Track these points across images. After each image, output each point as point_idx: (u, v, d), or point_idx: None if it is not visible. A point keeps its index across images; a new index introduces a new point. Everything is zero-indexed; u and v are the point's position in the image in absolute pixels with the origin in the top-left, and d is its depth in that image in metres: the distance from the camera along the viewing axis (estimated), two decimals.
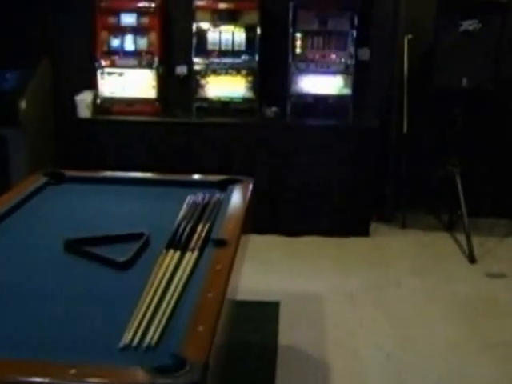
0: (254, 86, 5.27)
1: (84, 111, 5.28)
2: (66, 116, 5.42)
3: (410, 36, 5.30)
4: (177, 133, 5.24)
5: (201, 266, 2.31)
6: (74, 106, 5.31)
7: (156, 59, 5.29)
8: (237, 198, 3.07)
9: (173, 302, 2.03)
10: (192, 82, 5.32)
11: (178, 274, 2.23)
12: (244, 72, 5.26)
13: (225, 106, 5.35)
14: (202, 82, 5.30)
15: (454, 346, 3.75)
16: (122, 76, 5.33)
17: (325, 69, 5.22)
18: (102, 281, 2.27)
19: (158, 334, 1.84)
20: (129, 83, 5.34)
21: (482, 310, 4.22)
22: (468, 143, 5.34)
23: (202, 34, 5.31)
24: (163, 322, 1.90)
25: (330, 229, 5.29)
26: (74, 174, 3.38)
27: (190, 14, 5.29)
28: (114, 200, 3.17)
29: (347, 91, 5.23)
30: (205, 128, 5.23)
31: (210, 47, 5.32)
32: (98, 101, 5.38)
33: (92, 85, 5.36)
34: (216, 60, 5.28)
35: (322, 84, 5.24)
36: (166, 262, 2.33)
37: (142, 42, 5.36)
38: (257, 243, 5.14)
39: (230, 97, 5.33)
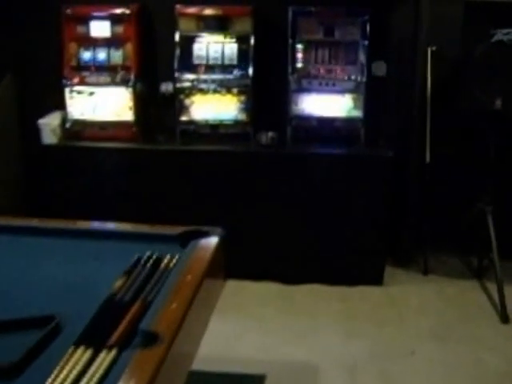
0: (248, 107, 4.46)
1: (49, 137, 4.51)
2: (30, 142, 4.67)
3: (433, 47, 4.46)
4: (155, 162, 4.45)
5: (113, 375, 1.65)
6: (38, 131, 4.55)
7: (132, 75, 4.49)
8: (194, 261, 2.40)
9: None
10: (175, 102, 4.51)
11: None
12: (235, 90, 4.45)
13: (213, 131, 4.55)
14: (187, 102, 4.50)
15: None
16: (93, 95, 4.55)
17: (331, 87, 4.39)
18: None
19: None
20: (101, 104, 4.56)
21: None
22: (502, 176, 4.47)
23: (186, 46, 4.51)
24: None
25: (334, 275, 4.46)
26: None
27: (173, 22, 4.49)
28: (34, 259, 2.52)
29: (358, 113, 4.40)
30: (188, 157, 4.43)
31: (195, 61, 4.52)
32: (68, 124, 4.60)
33: (62, 105, 4.60)
34: (203, 76, 4.48)
35: (327, 105, 4.41)
36: (68, 367, 1.70)
37: (117, 56, 4.57)
38: (246, 292, 4.37)
39: (220, 119, 4.52)
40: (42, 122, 4.51)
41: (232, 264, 4.58)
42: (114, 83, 4.51)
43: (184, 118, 4.53)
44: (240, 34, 4.47)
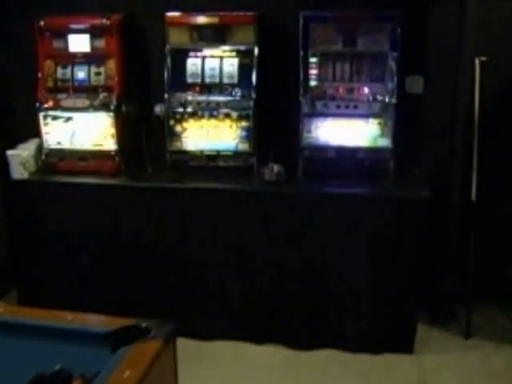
0: (250, 136, 3.67)
1: (18, 170, 3.83)
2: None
3: (483, 58, 3.56)
4: (139, 202, 3.70)
5: None
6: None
7: (114, 97, 3.76)
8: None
9: None
10: (164, 128, 3.76)
11: None
12: (236, 115, 3.66)
13: (210, 163, 3.77)
14: (178, 128, 3.74)
15: None
16: (70, 121, 3.84)
17: (352, 110, 3.55)
18: None
19: None
20: (80, 131, 3.84)
21: None
22: None
23: (177, 62, 3.75)
24: None
25: (355, 341, 3.63)
26: None
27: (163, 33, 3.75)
28: None
29: (386, 142, 3.55)
30: (178, 196, 3.66)
31: (188, 79, 3.76)
32: (43, 154, 3.91)
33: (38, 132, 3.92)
34: (197, 98, 3.71)
35: (348, 132, 3.58)
36: None
37: (98, 74, 3.85)
38: (247, 358, 3.58)
39: (217, 150, 3.74)
40: (10, 153, 3.84)
41: (230, 323, 3.89)
42: (93, 107, 3.79)
43: (175, 148, 3.77)
44: (241, 46, 3.68)
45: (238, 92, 3.67)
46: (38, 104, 3.83)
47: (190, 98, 3.71)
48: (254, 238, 3.58)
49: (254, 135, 3.66)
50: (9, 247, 4.16)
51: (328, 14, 3.55)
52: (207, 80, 3.74)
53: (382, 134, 3.53)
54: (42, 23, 3.80)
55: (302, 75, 3.58)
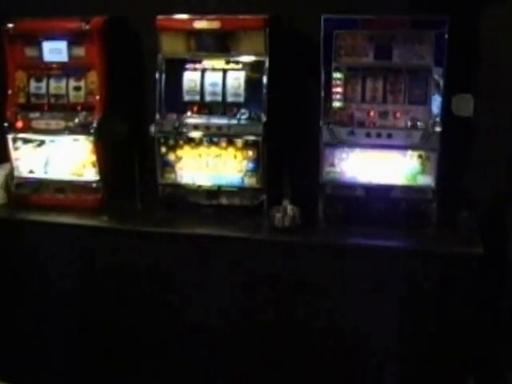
0: (259, 168, 2.98)
1: None
2: None
3: None
4: (119, 249, 3.03)
5: None
6: None
7: (96, 118, 3.09)
8: None
9: None
10: (155, 156, 3.09)
11: None
12: (241, 142, 2.97)
13: (209, 200, 3.09)
14: (171, 157, 3.07)
15: None
16: (43, 146, 3.19)
17: (386, 139, 2.83)
18: None
19: None
20: (55, 158, 3.20)
21: None
22: None
23: (172, 75, 3.07)
24: None
25: None
26: None
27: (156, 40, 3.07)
28: None
29: (428, 180, 2.83)
30: (166, 243, 2.98)
31: (185, 97, 3.08)
32: (13, 185, 3.28)
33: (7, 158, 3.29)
34: (195, 120, 3.03)
35: (380, 166, 2.86)
36: None
37: (77, 89, 3.19)
38: None
39: (218, 184, 3.06)
40: None
41: None
42: (69, 129, 3.13)
43: (167, 180, 3.09)
44: (249, 56, 2.99)
45: (244, 113, 2.97)
46: (6, 124, 3.19)
47: (186, 119, 3.03)
48: (260, 298, 2.89)
49: (263, 167, 2.97)
50: None
51: (356, 17, 2.83)
52: (207, 98, 3.05)
53: (423, 170, 2.81)
54: (11, 27, 3.15)
55: (323, 94, 2.88)
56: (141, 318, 3.05)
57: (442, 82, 2.79)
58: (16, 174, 3.26)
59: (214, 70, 3.04)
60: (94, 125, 3.09)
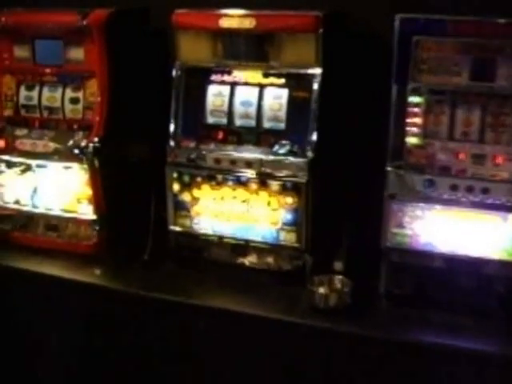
0: (301, 219, 2.17)
1: None
2: None
3: None
4: (111, 315, 2.31)
5: None
6: None
7: (94, 140, 2.37)
8: None
9: None
10: (166, 195, 2.34)
11: None
12: (279, 184, 2.18)
13: (234, 258, 2.32)
14: (186, 197, 2.31)
15: None
16: (29, 172, 2.50)
17: (480, 194, 1.98)
18: None
19: None
20: (44, 187, 2.50)
21: None
22: None
23: (192, 88, 2.30)
24: None
25: None
26: None
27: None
28: None
29: None
30: (174, 313, 2.24)
31: (208, 119, 2.31)
32: None
33: None
34: (219, 151, 2.26)
35: (469, 232, 2.01)
36: None
37: (75, 102, 2.48)
38: None
39: (245, 238, 2.28)
40: None
41: None
42: (58, 154, 2.43)
43: (181, 227, 2.34)
44: (295, 68, 2.19)
45: (284, 146, 2.18)
46: None
47: (206, 149, 2.26)
48: None
49: (306, 220, 2.17)
50: None
51: (446, 19, 1.98)
52: (237, 122, 2.28)
53: None
54: (2, 20, 2.47)
55: (393, 125, 2.05)
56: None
57: None
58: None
59: (247, 84, 2.26)
60: (90, 149, 2.37)
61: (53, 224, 2.54)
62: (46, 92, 2.51)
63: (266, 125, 2.24)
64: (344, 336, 2.01)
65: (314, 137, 2.13)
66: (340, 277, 2.10)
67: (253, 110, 2.25)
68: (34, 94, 2.53)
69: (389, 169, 2.03)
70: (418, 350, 1.95)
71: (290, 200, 2.17)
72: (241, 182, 2.22)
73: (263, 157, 2.19)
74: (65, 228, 2.51)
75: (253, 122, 2.25)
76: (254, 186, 2.21)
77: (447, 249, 2.04)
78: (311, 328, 2.04)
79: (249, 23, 2.16)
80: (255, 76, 2.23)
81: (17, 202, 2.56)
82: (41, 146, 2.45)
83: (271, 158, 2.18)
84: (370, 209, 2.10)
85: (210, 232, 2.31)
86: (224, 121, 2.28)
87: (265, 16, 2.15)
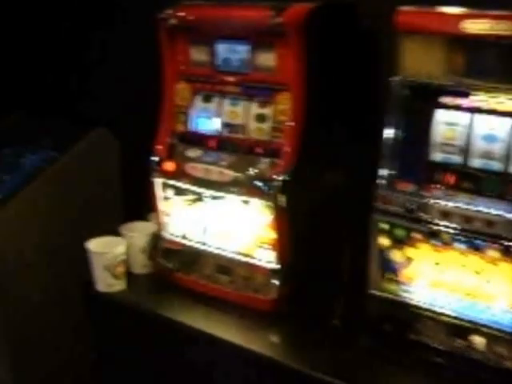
0: None
1: (103, 278, 2.16)
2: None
3: None
4: None
5: None
6: None
7: (285, 170, 1.88)
8: None
9: None
10: (369, 250, 1.79)
11: None
12: None
13: (450, 343, 1.72)
14: (396, 256, 1.74)
15: None
16: (200, 203, 2.07)
17: None
18: None
19: None
20: (217, 224, 2.06)
21: None
22: None
23: (413, 113, 1.73)
24: None
25: None
26: None
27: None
28: None
29: None
30: None
31: (434, 155, 1.74)
32: (158, 250, 2.22)
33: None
34: (445, 201, 1.67)
35: None
36: None
37: (260, 119, 2.00)
38: None
39: (470, 319, 1.67)
40: (92, 248, 2.15)
41: None
42: (238, 185, 1.96)
43: (384, 292, 1.78)
44: None
45: None
46: (154, 160, 2.11)
47: (430, 197, 1.68)
48: None
49: None
50: None
51: None
52: (476, 162, 1.67)
53: None
54: (170, 16, 2.03)
55: None
56: None
57: None
58: (164, 234, 2.18)
59: (494, 112, 1.64)
60: (278, 183, 1.87)
61: (224, 266, 2.09)
62: (226, 105, 2.06)
63: None
64: None
65: None
66: None
67: (499, 149, 1.63)
68: (212, 106, 2.08)
69: None
70: None
71: None
72: (475, 247, 1.62)
73: (510, 216, 1.57)
74: (237, 274, 2.05)
75: (498, 166, 1.64)
76: (493, 253, 1.60)
77: None
78: None
79: (505, 28, 1.54)
80: (507, 102, 1.61)
81: (184, 237, 2.14)
82: (216, 174, 1.99)
83: None
84: None
85: (423, 304, 1.73)
86: (457, 159, 1.69)
87: None
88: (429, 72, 1.68)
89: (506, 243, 1.57)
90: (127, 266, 2.18)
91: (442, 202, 1.65)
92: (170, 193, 2.11)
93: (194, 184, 2.04)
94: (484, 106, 1.64)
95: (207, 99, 2.09)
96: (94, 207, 2.51)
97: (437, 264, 1.68)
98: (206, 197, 2.02)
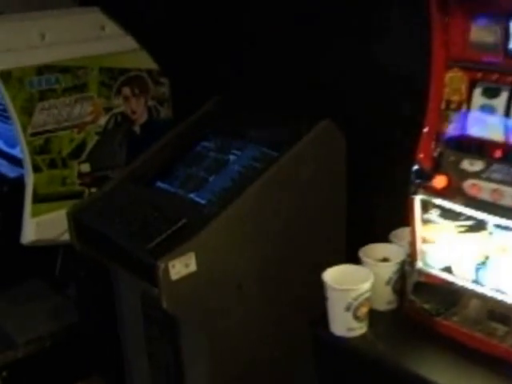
0: None
1: (342, 318, 1.71)
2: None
3: None
4: None
5: None
6: None
7: None
8: None
9: None
10: None
11: None
12: None
13: None
14: None
15: None
16: (483, 233, 1.56)
17: None
18: None
19: None
20: (503, 258, 1.54)
21: None
22: None
23: None
24: None
25: None
26: None
27: None
28: None
29: None
30: None
31: None
32: (410, 284, 1.75)
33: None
34: None
35: None
36: None
37: None
38: None
39: None
40: (328, 277, 1.71)
41: None
42: None
43: None
44: None
45: None
46: (415, 170, 1.62)
47: None
48: None
49: None
50: None
51: None
52: None
53: None
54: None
55: None
56: None
57: None
58: (419, 265, 1.70)
59: None
60: None
61: (501, 314, 1.58)
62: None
63: None
64: None
65: None
66: None
67: None
68: (498, 103, 1.56)
69: None
70: None
71: None
72: None
73: None
74: None
75: None
76: None
77: None
78: None
79: None
80: None
81: (448, 270, 1.65)
82: (509, 197, 1.47)
83: None
84: None
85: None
86: None
87: None
88: None
89: None
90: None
91: None
92: (434, 215, 1.62)
93: (473, 207, 1.53)
94: None
95: (491, 93, 1.57)
96: (317, 220, 2.07)
97: None
98: (490, 225, 1.52)
